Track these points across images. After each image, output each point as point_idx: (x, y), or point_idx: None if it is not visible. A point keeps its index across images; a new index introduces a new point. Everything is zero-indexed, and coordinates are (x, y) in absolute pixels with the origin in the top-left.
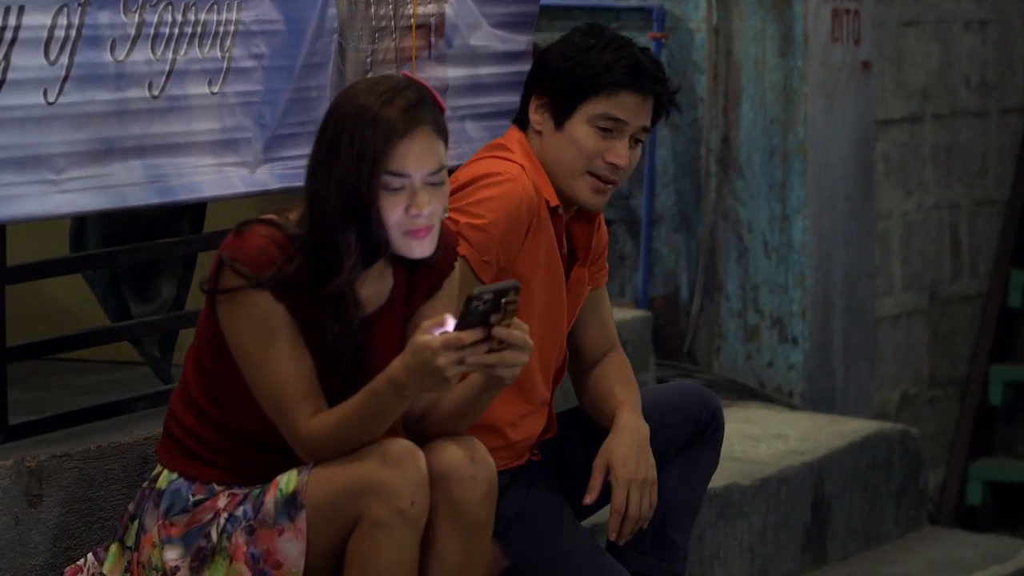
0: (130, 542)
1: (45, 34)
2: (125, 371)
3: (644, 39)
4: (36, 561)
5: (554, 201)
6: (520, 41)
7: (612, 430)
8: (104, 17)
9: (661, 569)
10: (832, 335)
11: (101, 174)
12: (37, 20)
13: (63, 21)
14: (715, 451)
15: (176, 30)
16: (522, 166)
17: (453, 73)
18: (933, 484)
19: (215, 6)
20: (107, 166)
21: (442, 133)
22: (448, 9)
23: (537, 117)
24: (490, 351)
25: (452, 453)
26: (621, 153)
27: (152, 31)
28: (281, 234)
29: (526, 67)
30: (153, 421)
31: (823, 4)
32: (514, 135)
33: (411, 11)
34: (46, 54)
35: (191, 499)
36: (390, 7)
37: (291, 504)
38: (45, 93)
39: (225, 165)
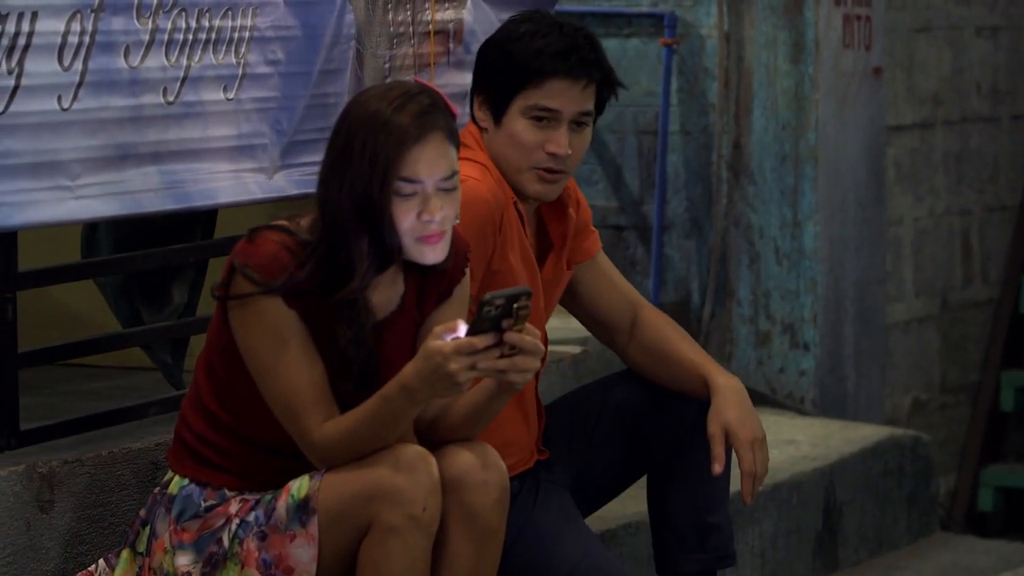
0: (141, 548)
1: (59, 40)
2: (136, 377)
3: (656, 45)
4: (47, 567)
5: (514, 197)
6: None
7: (713, 394)
8: (117, 23)
9: (712, 561)
10: (843, 341)
11: (117, 180)
12: (51, 26)
13: (76, 27)
14: None
15: (190, 36)
16: (484, 165)
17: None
18: (944, 490)
19: (229, 12)
20: (122, 172)
21: (454, 139)
22: (466, 15)
23: (480, 114)
24: (502, 356)
25: (464, 458)
26: (560, 142)
27: (166, 37)
28: (293, 240)
29: None
30: (164, 427)
31: (835, 10)
32: (471, 131)
33: (429, 17)
34: (60, 60)
35: (203, 505)
36: (408, 13)
37: (303, 510)
38: (59, 99)
39: (242, 171)
